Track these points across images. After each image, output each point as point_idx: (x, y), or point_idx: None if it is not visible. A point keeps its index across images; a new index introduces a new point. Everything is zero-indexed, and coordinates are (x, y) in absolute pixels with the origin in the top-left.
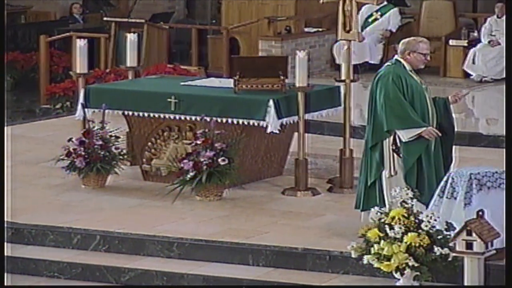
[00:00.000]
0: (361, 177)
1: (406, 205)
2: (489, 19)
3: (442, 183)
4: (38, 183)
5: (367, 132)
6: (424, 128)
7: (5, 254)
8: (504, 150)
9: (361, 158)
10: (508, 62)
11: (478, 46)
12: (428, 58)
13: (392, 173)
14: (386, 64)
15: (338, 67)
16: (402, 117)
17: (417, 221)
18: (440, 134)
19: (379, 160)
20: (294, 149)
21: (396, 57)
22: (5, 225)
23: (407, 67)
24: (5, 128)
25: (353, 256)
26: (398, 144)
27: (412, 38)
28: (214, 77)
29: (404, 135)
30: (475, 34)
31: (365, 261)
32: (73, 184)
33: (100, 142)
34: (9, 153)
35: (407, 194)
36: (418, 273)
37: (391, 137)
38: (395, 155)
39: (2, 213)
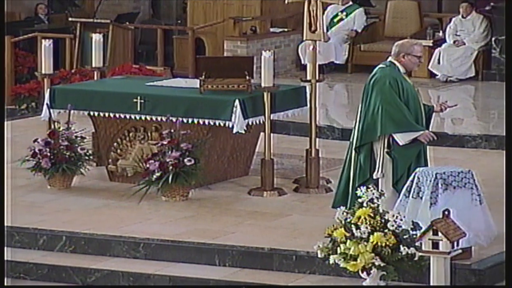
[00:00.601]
0: (342, 176)
1: (372, 205)
2: (454, 19)
3: (408, 183)
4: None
5: (354, 132)
6: (422, 132)
7: None
8: (504, 151)
9: (345, 157)
10: (508, 62)
11: (443, 46)
12: (422, 60)
13: (379, 176)
14: (379, 66)
15: (303, 67)
16: (400, 121)
17: (383, 220)
18: (436, 138)
19: (363, 163)
20: (260, 149)
21: (390, 59)
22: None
23: (401, 69)
24: (5, 127)
25: (319, 256)
26: (392, 146)
27: (406, 40)
28: (180, 77)
29: (401, 138)
30: (440, 34)
31: (331, 261)
32: (39, 185)
33: (66, 143)
34: None
35: (373, 193)
36: (384, 272)
37: (385, 140)
38: (386, 156)
39: (2, 215)
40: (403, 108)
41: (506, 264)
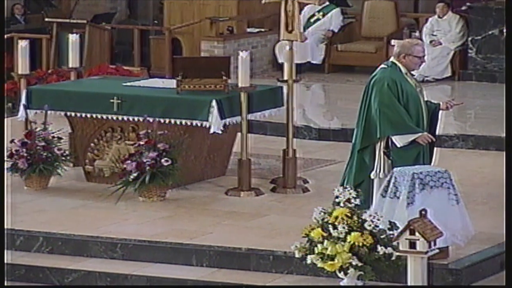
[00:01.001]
0: (344, 180)
1: (349, 205)
2: (430, 19)
3: (385, 183)
4: None
5: (356, 134)
6: (419, 134)
7: None
8: (505, 152)
9: (347, 161)
10: (508, 62)
11: None
12: (424, 60)
13: (381, 176)
14: (381, 66)
15: (280, 67)
16: (397, 123)
17: (360, 220)
18: (434, 140)
19: (368, 162)
20: (237, 150)
21: (391, 59)
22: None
23: (403, 70)
24: (5, 129)
25: (296, 256)
26: (390, 147)
27: (407, 40)
28: (157, 77)
29: (399, 140)
30: (417, 34)
31: (308, 261)
32: (16, 185)
33: (43, 143)
34: None
35: (350, 193)
36: (361, 272)
37: (384, 140)
38: (385, 157)
39: (2, 219)
40: (401, 110)
41: (506, 265)
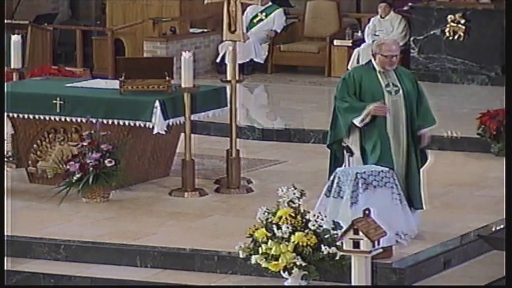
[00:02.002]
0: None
1: (293, 205)
2: (372, 19)
3: (328, 183)
4: None
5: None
6: (370, 108)
7: None
8: (505, 153)
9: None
10: (508, 61)
11: (362, 46)
12: (393, 59)
13: (348, 142)
14: None
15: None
16: (347, 109)
17: (304, 220)
18: (389, 108)
19: (341, 157)
20: (180, 150)
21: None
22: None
23: (377, 68)
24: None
25: (241, 256)
26: (350, 145)
27: (378, 39)
28: (100, 78)
29: (357, 123)
30: (359, 34)
31: (253, 261)
32: None
33: None
34: None
35: (294, 193)
36: (306, 272)
37: (354, 135)
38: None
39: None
40: (349, 98)
41: (506, 265)
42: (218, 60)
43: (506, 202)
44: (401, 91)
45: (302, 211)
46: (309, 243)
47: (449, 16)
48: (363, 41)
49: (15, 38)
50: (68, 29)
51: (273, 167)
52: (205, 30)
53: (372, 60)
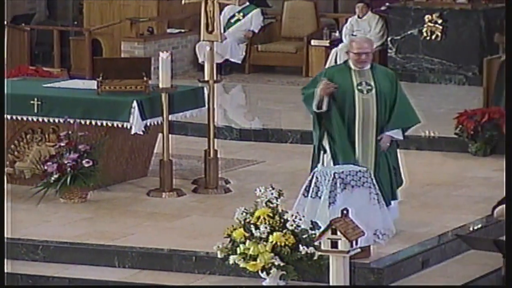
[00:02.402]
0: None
1: (271, 205)
2: (350, 19)
3: (306, 183)
4: None
5: None
6: (318, 89)
7: None
8: (505, 153)
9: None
10: (508, 62)
11: (340, 46)
12: (363, 57)
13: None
14: None
15: (201, 68)
16: (306, 100)
17: (282, 220)
18: (336, 86)
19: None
20: (158, 150)
21: None
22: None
23: (352, 66)
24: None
25: (219, 256)
26: (324, 144)
27: (353, 37)
28: (77, 78)
29: (315, 108)
30: (337, 34)
31: (231, 261)
32: None
33: None
34: None
35: (272, 193)
36: (284, 272)
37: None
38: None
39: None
40: (305, 90)
41: (506, 265)
42: (200, 60)
43: (506, 202)
44: (373, 90)
45: (280, 211)
46: (287, 243)
47: (426, 16)
48: (341, 41)
49: None
50: (45, 29)
51: (251, 167)
52: (183, 30)
53: (348, 58)
